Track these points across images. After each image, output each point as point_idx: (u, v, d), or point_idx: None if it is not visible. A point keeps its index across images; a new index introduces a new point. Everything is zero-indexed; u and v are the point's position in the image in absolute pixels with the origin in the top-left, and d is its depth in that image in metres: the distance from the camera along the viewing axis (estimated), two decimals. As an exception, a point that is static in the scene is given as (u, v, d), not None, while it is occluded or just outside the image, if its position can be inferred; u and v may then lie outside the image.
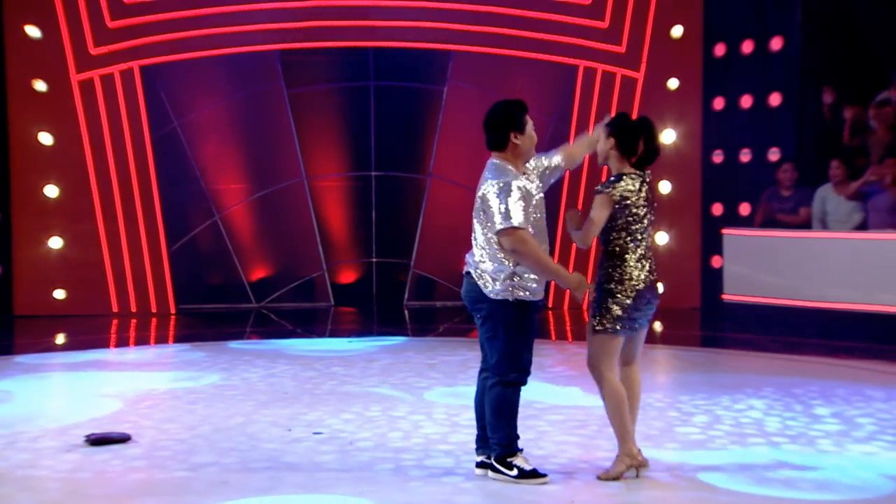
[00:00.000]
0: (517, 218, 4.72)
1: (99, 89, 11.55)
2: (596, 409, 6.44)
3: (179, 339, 10.25)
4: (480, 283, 4.87)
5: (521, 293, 4.82)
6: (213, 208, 12.12)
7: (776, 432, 5.95)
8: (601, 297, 4.99)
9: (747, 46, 11.59)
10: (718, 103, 11.82)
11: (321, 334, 10.45)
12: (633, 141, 5.08)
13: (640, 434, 5.28)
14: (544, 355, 8.56)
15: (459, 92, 12.02)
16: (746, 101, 11.62)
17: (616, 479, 4.93)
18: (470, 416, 5.29)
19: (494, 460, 4.94)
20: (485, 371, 5.06)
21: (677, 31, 11.94)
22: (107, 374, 8.03)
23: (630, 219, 4.97)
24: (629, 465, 4.96)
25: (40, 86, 11.43)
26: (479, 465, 5.06)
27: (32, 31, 11.36)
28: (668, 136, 12.02)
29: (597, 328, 4.98)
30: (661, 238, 12.12)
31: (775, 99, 11.45)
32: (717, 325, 10.81)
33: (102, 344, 9.88)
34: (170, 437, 5.85)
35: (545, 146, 13.27)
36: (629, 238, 4.98)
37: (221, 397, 7.01)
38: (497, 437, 4.92)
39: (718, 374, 7.97)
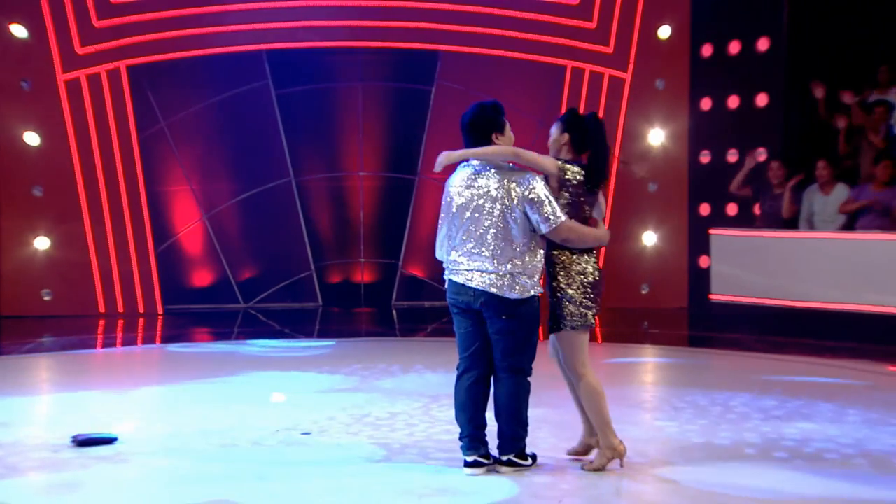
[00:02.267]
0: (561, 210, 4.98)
1: (86, 89, 11.51)
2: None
3: (167, 339, 10.22)
4: (508, 286, 4.91)
5: (539, 286, 5.03)
6: (201, 208, 12.09)
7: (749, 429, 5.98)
8: (569, 294, 5.07)
9: (734, 47, 11.63)
10: (706, 104, 11.85)
11: (309, 335, 10.45)
12: (584, 136, 5.24)
13: (626, 433, 5.31)
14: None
15: (447, 92, 12.02)
16: (733, 102, 11.65)
17: (600, 469, 5.04)
18: (448, 416, 5.28)
19: (516, 456, 5.01)
20: (469, 371, 5.08)
21: (664, 31, 11.98)
22: (94, 375, 8.01)
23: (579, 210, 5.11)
24: (611, 458, 5.07)
25: (27, 85, 11.39)
26: (472, 464, 5.05)
27: (18, 31, 11.31)
28: (655, 137, 12.06)
29: (574, 325, 5.06)
30: (649, 238, 12.16)
31: (762, 99, 11.49)
32: (705, 324, 10.83)
33: (89, 345, 9.86)
34: (156, 439, 5.83)
35: (533, 146, 13.25)
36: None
37: (211, 399, 7.00)
38: (519, 432, 5.02)
39: (704, 373, 8.00)
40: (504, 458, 5.05)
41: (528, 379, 5.08)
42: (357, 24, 11.87)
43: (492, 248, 4.93)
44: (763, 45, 11.47)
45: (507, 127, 5.12)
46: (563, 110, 11.87)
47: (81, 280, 11.61)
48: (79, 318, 11.36)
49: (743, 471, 5.17)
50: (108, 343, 10.10)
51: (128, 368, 8.37)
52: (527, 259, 4.95)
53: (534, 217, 4.92)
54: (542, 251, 5.02)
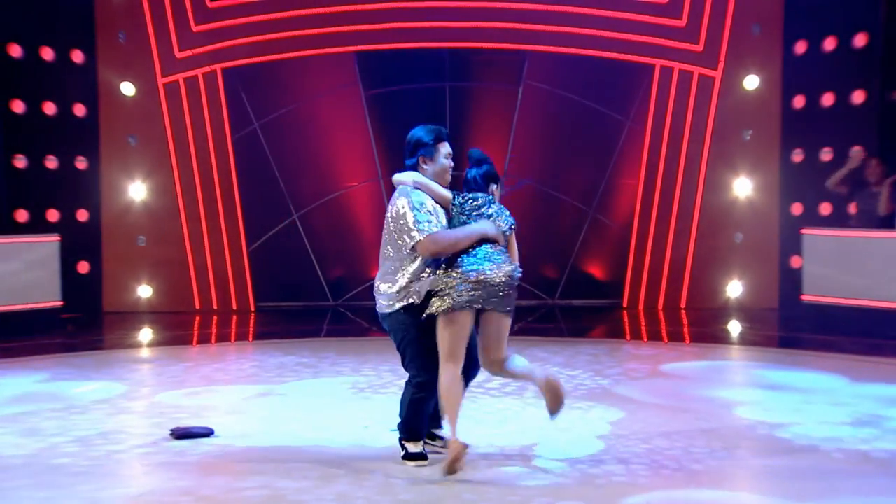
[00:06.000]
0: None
1: (183, 91, 11.89)
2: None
3: (259, 336, 10.46)
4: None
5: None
6: (292, 207, 12.34)
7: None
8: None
9: (829, 43, 11.36)
10: (799, 101, 11.62)
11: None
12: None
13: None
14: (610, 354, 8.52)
15: (534, 92, 12.04)
16: (828, 99, 11.40)
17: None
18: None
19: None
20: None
21: (756, 28, 11.78)
22: (191, 370, 8.27)
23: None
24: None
25: (128, 89, 11.82)
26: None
27: (121, 37, 11.76)
28: (746, 135, 11.89)
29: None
30: (739, 237, 11.98)
31: (859, 97, 11.20)
32: (797, 325, 10.61)
33: (187, 340, 10.19)
34: (251, 434, 6.02)
35: (621, 146, 13.15)
36: None
37: (304, 395, 7.17)
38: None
39: (786, 373, 7.87)
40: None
41: (414, 382, 5.28)
42: (445, 25, 11.98)
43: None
44: (860, 41, 11.18)
45: (441, 154, 5.41)
46: (651, 109, 11.91)
47: (178, 277, 12.00)
48: (175, 314, 11.73)
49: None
50: (204, 339, 10.40)
51: (223, 364, 8.61)
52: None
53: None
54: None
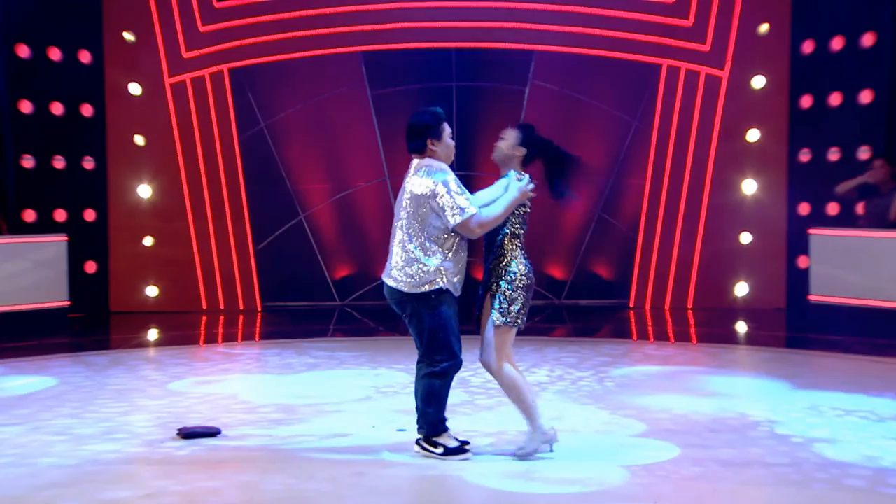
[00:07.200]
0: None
1: (190, 92, 11.91)
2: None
3: (266, 336, 10.48)
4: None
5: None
6: (299, 207, 12.36)
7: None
8: (504, 290, 5.29)
9: (837, 43, 11.33)
10: (806, 101, 11.59)
11: (405, 332, 10.55)
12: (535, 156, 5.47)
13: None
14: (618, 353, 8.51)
15: (541, 92, 12.03)
16: (835, 99, 11.37)
17: (531, 454, 5.29)
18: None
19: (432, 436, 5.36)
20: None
21: (764, 27, 11.76)
22: (197, 370, 8.29)
23: (522, 218, 5.37)
24: (543, 441, 5.31)
25: (135, 89, 11.85)
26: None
27: (128, 36, 11.78)
28: (753, 135, 11.87)
29: (499, 322, 5.26)
30: (746, 238, 11.96)
31: (866, 96, 11.17)
32: (804, 325, 10.60)
33: (194, 340, 10.20)
34: (258, 433, 6.02)
35: (627, 145, 13.16)
36: (520, 235, 5.39)
37: (312, 394, 7.17)
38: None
39: (799, 377, 7.85)
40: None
41: (439, 368, 5.34)
42: (451, 25, 11.98)
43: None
44: (868, 40, 11.14)
45: (446, 134, 5.37)
46: (658, 109, 11.88)
47: (185, 277, 12.02)
48: (182, 313, 11.75)
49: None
50: (210, 338, 10.42)
51: (229, 364, 8.63)
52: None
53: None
54: None
